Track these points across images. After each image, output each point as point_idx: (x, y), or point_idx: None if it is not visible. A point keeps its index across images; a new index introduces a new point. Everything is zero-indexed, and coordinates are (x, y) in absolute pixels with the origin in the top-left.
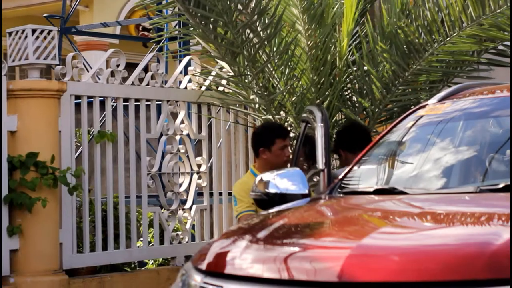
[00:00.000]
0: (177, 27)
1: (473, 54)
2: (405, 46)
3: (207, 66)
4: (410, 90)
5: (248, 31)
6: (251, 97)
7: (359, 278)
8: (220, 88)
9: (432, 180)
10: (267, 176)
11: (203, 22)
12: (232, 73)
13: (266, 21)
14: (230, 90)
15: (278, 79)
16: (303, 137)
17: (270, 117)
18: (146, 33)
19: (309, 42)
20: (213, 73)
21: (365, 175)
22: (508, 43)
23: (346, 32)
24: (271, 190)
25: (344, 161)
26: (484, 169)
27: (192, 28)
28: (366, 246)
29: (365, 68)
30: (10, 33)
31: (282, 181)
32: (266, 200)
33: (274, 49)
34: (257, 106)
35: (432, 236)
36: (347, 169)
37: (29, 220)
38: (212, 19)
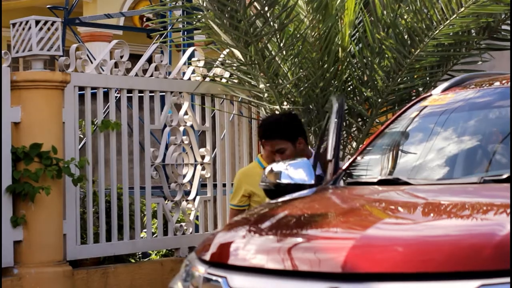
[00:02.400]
0: (181, 15)
1: (472, 34)
2: (404, 32)
3: (212, 56)
4: (412, 77)
5: (259, 21)
6: (260, 86)
7: (363, 269)
8: (224, 80)
9: (436, 171)
10: (278, 166)
11: (219, 8)
12: (237, 64)
13: (276, 12)
14: (235, 81)
15: (286, 70)
16: (325, 128)
17: (278, 107)
18: (150, 24)
19: (313, 33)
20: (217, 63)
21: (369, 165)
22: (508, 24)
23: (348, 22)
24: (284, 180)
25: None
26: (488, 160)
27: (200, 15)
28: (370, 237)
29: (368, 57)
30: (13, 24)
31: (295, 171)
32: (277, 190)
33: (283, 40)
34: (265, 95)
35: (436, 226)
36: (351, 159)
37: (33, 211)
38: (229, 8)
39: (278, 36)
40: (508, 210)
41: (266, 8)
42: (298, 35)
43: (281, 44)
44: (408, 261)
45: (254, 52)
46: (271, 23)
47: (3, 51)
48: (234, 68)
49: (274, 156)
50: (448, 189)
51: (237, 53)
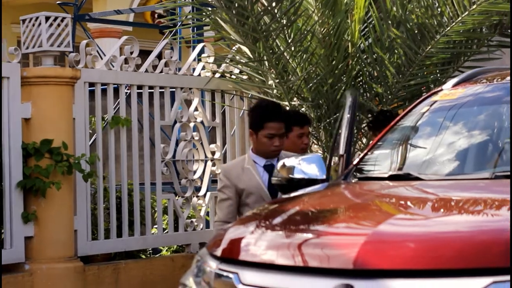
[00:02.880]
0: (190, 12)
1: (483, 31)
2: (415, 28)
3: (221, 52)
4: (423, 73)
5: (267, 18)
6: (269, 82)
7: (374, 265)
8: (234, 76)
9: (447, 166)
10: (290, 161)
11: (226, 5)
12: (246, 60)
13: (284, 8)
14: (244, 77)
15: (295, 66)
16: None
17: (287, 103)
18: (162, 20)
19: (322, 29)
20: (228, 58)
21: (380, 160)
22: None
23: (358, 18)
24: (297, 175)
25: None
26: (499, 155)
27: (209, 12)
28: (382, 233)
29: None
30: (24, 21)
31: (308, 166)
32: (289, 185)
33: (292, 36)
34: (274, 92)
35: (448, 223)
36: (362, 154)
37: (44, 207)
38: (236, 4)
39: (286, 32)
40: None
41: (274, 4)
42: (306, 31)
43: (290, 40)
44: (419, 258)
45: (262, 48)
46: (279, 19)
47: (13, 47)
48: (242, 64)
49: (300, 143)
50: (460, 184)
51: (245, 49)
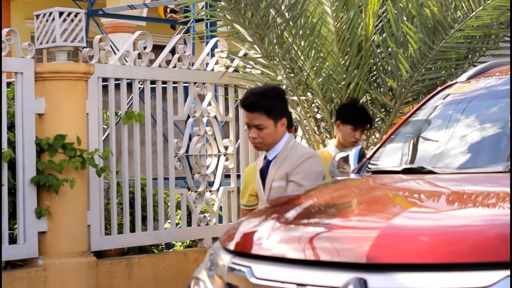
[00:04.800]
0: (203, 8)
1: (498, 26)
2: (429, 23)
3: (235, 47)
4: (438, 68)
5: (273, 12)
6: (278, 78)
7: (388, 259)
8: (248, 69)
9: (460, 160)
10: (342, 155)
11: (231, 4)
12: (258, 54)
13: (288, 3)
14: (257, 72)
15: (303, 60)
16: None
17: (296, 98)
18: (174, 15)
19: (336, 23)
20: (240, 54)
21: (393, 154)
22: None
23: (372, 12)
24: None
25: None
26: None
27: (218, 9)
28: (395, 227)
29: (392, 48)
30: (37, 16)
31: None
32: None
33: (300, 31)
34: (284, 87)
35: (461, 216)
36: (375, 148)
37: (57, 202)
38: (241, 3)
39: (291, 26)
40: None
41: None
42: (314, 24)
43: (296, 35)
44: (433, 252)
45: (267, 44)
46: (285, 14)
47: (27, 43)
48: (251, 60)
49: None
50: (473, 178)
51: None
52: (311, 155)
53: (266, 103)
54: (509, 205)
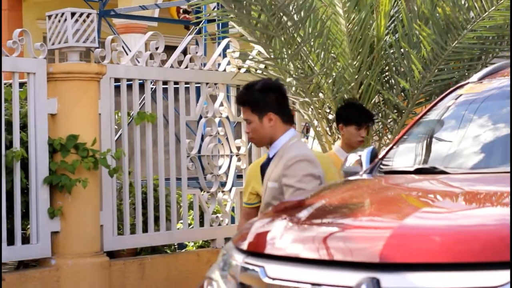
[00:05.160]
0: (215, 9)
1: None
2: (442, 23)
3: (246, 47)
4: (450, 69)
5: (281, 14)
6: (288, 80)
7: (400, 258)
8: (259, 71)
9: (472, 159)
10: (354, 156)
11: (236, 6)
12: (264, 58)
13: (295, 6)
14: (269, 72)
15: (313, 62)
16: None
17: (308, 99)
18: (187, 16)
19: (347, 24)
20: (252, 55)
21: (406, 154)
22: None
23: (384, 13)
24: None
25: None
26: None
27: (228, 11)
28: (408, 227)
29: (405, 48)
30: (49, 16)
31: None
32: None
33: (309, 31)
34: (293, 88)
35: (474, 216)
36: (388, 148)
37: (70, 202)
38: (245, 3)
39: (300, 27)
40: None
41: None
42: (323, 25)
43: (305, 37)
44: (445, 251)
45: (277, 45)
46: (294, 16)
47: (39, 43)
48: (261, 62)
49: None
50: (486, 178)
51: (260, 48)
52: (303, 158)
53: (249, 97)
54: None
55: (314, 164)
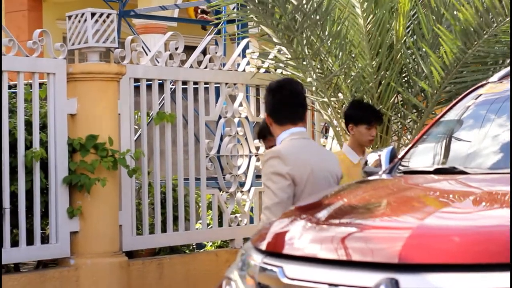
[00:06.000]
0: (235, 9)
1: None
2: (463, 27)
3: (265, 48)
4: (470, 71)
5: (300, 16)
6: (308, 79)
7: (420, 259)
8: (279, 71)
9: (492, 160)
10: (374, 155)
11: (260, 6)
12: (290, 55)
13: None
14: (289, 73)
15: (332, 62)
16: None
17: (326, 99)
18: (205, 16)
19: (366, 24)
20: (271, 55)
21: (425, 154)
22: None
23: (403, 13)
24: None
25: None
26: None
27: (248, 11)
28: (427, 227)
29: (424, 50)
30: (69, 17)
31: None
32: None
33: (327, 32)
34: (314, 88)
35: (493, 217)
36: (407, 148)
37: (89, 202)
38: (269, 4)
39: (319, 28)
40: None
41: (304, 2)
42: (340, 25)
43: (324, 37)
44: (465, 252)
45: (297, 45)
46: (311, 16)
47: (59, 44)
48: (281, 62)
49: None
50: (505, 178)
51: (282, 47)
52: (273, 155)
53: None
54: None
55: (285, 162)
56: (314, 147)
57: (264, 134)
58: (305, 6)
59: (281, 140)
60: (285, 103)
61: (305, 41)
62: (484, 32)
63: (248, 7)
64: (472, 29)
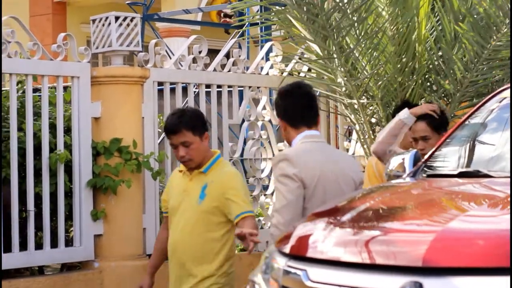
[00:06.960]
0: (258, 12)
1: None
2: (481, 22)
3: (290, 50)
4: (491, 68)
5: (337, 14)
6: (339, 80)
7: (444, 263)
8: (302, 74)
9: None
10: (398, 159)
11: (297, 3)
12: (314, 58)
13: (356, 4)
14: (313, 75)
15: (364, 64)
16: None
17: (355, 101)
18: (228, 19)
19: (392, 27)
20: (296, 58)
21: (449, 157)
22: None
23: (424, 14)
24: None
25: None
26: None
27: (273, 13)
28: (452, 231)
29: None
30: (93, 21)
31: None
32: None
33: (362, 33)
34: (343, 89)
35: None
36: (431, 151)
37: (113, 205)
38: (306, 1)
39: (356, 30)
40: None
41: (345, 1)
42: (377, 29)
43: (360, 37)
44: (489, 256)
45: (331, 45)
46: (349, 16)
47: (83, 47)
48: (311, 62)
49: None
50: None
51: (314, 47)
52: (281, 158)
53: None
54: None
55: (293, 164)
56: (328, 151)
57: None
58: (346, 5)
59: (295, 144)
60: (297, 106)
61: (340, 40)
62: (503, 25)
63: (287, 3)
64: (491, 22)
